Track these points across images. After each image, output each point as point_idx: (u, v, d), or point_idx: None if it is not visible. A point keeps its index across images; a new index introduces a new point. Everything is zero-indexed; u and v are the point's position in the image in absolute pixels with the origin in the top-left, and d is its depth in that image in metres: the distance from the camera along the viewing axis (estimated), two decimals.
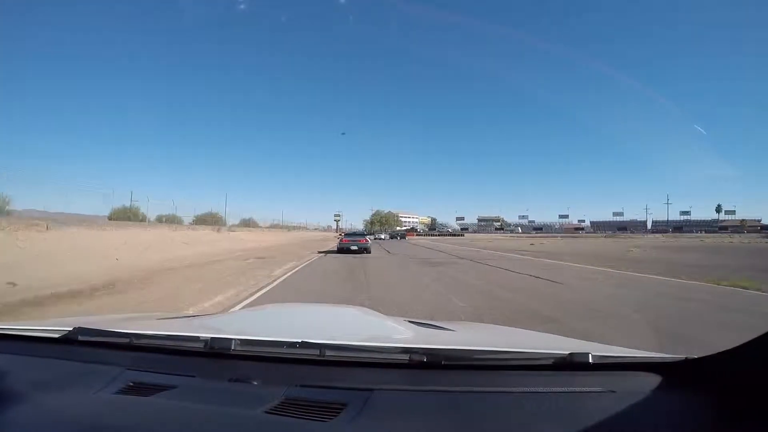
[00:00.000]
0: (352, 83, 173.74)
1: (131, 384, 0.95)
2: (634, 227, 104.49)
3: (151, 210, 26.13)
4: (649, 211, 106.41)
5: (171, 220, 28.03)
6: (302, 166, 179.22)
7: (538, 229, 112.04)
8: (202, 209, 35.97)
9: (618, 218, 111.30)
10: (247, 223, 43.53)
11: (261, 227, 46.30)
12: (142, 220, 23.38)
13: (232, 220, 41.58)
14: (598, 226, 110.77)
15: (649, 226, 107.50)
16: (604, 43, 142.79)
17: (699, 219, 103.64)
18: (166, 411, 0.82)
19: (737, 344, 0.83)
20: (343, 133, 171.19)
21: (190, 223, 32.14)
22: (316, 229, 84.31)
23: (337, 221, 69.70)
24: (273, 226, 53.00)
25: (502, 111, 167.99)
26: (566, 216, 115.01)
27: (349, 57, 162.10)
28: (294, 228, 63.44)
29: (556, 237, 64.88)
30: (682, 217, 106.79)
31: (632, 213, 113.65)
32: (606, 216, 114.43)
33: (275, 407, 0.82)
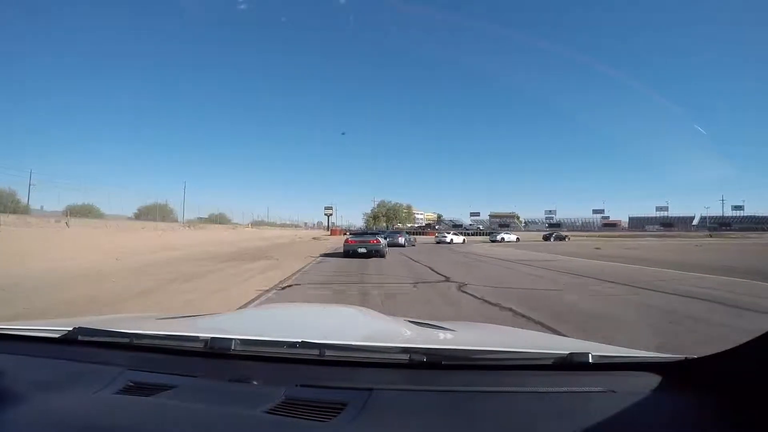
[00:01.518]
0: (351, 75, 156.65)
1: (131, 384, 0.94)
2: (682, 223, 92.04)
3: (60, 197, 19.67)
4: (706, 206, 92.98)
5: (83, 212, 21.42)
6: (294, 159, 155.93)
7: (611, 225, 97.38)
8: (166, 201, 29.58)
9: (662, 213, 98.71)
10: (216, 219, 37.17)
11: (237, 225, 39.86)
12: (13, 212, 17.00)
13: (197, 214, 35.21)
14: (635, 223, 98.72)
15: (696, 221, 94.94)
16: (597, 38, 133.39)
17: (752, 215, 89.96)
18: (167, 411, 0.82)
19: (738, 344, 0.83)
20: (343, 133, 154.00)
21: (129, 217, 25.66)
22: (312, 226, 72.53)
23: (328, 216, 53.07)
24: (256, 223, 46.91)
25: (512, 109, 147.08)
26: (601, 211, 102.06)
27: (348, 52, 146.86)
28: (283, 226, 57.06)
29: (655, 238, 48.04)
30: (734, 213, 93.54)
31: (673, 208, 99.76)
32: (643, 211, 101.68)
33: (275, 407, 0.82)
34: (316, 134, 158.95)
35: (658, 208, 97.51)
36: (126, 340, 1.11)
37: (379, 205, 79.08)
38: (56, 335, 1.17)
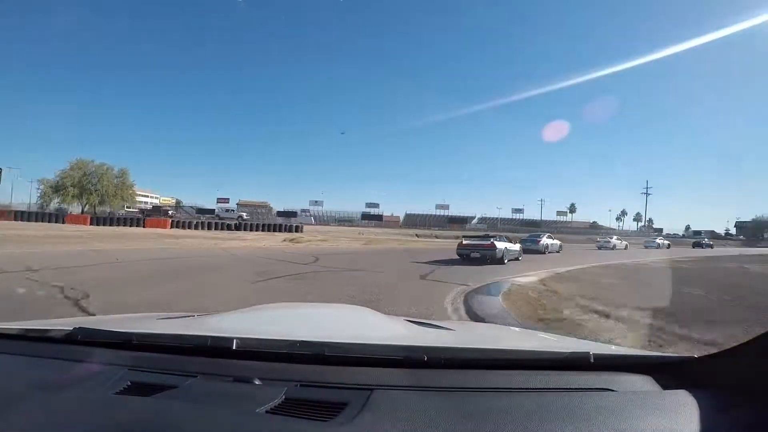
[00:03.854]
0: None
1: (132, 384, 0.94)
2: (461, 223, 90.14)
3: None
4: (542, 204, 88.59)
5: None
6: None
7: (377, 217, 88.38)
8: None
9: (443, 212, 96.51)
10: None
11: None
12: None
13: None
14: (412, 221, 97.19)
15: (474, 222, 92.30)
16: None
17: (530, 219, 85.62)
18: (167, 411, 0.81)
19: (738, 343, 0.86)
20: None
21: None
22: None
23: None
24: None
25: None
26: (376, 205, 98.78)
27: None
28: None
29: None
30: (514, 216, 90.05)
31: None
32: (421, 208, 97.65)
33: (276, 407, 0.83)
34: None
35: (438, 206, 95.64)
36: (127, 339, 1.12)
37: (72, 168, 46.93)
38: (57, 335, 1.18)
